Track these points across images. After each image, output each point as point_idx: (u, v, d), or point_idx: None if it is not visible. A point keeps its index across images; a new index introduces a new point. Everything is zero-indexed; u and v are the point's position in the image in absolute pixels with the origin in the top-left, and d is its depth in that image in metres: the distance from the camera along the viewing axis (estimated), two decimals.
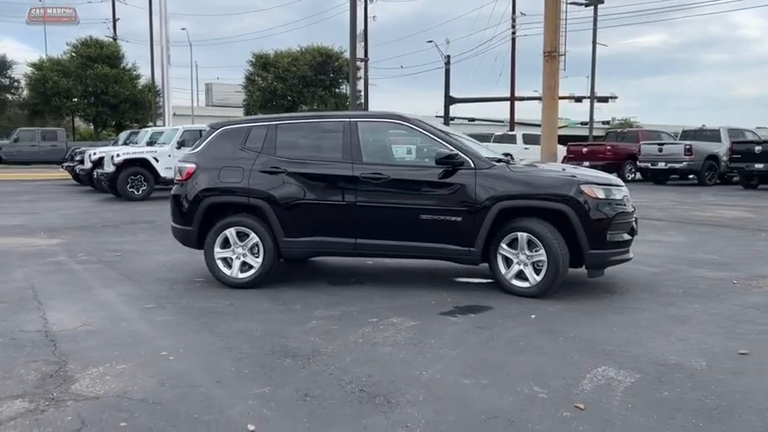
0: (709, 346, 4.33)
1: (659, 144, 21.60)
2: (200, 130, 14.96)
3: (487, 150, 6.63)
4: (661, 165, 21.08)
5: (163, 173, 15.73)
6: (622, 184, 6.03)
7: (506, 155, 23.06)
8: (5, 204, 14.90)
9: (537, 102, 31.30)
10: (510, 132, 30.05)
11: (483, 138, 28.10)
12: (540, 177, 5.82)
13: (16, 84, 45.63)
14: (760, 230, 10.22)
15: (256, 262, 6.06)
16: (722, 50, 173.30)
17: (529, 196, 5.68)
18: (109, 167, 15.77)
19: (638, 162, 22.16)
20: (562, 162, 21.83)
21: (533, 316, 5.09)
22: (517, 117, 42.79)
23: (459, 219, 5.72)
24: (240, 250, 6.10)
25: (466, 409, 3.34)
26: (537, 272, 5.64)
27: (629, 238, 5.87)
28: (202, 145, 6.44)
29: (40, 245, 8.84)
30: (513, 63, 39.91)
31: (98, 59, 41.32)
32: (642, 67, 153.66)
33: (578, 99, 45.17)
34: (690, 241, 9.13)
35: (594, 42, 36.65)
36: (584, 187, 5.60)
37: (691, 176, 21.58)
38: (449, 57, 43.27)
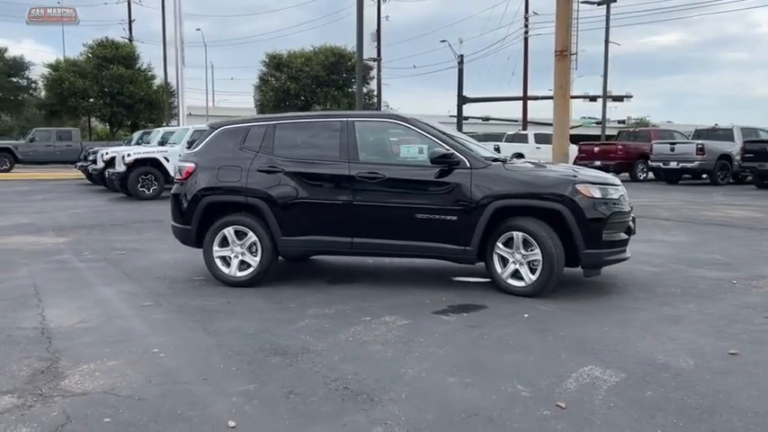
0: (699, 346, 4.32)
1: (671, 143, 21.45)
2: None
3: (486, 150, 6.64)
4: (673, 164, 20.93)
5: (173, 172, 15.82)
6: (619, 183, 6.00)
7: (517, 154, 22.95)
8: (18, 203, 15.09)
9: (550, 101, 31.17)
10: (522, 132, 29.94)
11: (495, 137, 28.10)
12: (536, 177, 5.82)
13: (33, 84, 46.21)
14: (767, 230, 10.12)
15: (254, 261, 6.11)
16: (740, 49, 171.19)
17: (524, 195, 5.68)
18: (120, 167, 15.93)
19: (649, 162, 22.00)
20: (574, 162, 21.75)
21: (526, 315, 5.09)
22: (531, 116, 42.64)
23: (455, 218, 5.74)
24: (238, 249, 6.15)
25: (447, 408, 3.36)
26: (532, 271, 5.64)
27: (626, 237, 5.85)
28: (202, 145, 6.51)
29: (47, 243, 8.95)
30: (525, 62, 39.79)
31: (114, 60, 41.72)
32: (659, 66, 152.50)
33: (593, 98, 44.93)
34: (694, 241, 9.07)
35: (607, 41, 36.42)
36: (579, 186, 5.59)
37: (704, 176, 21.39)
38: (462, 56, 43.20)
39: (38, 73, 44.91)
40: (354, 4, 22.76)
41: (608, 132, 39.17)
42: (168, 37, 35.37)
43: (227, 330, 4.74)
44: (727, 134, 21.71)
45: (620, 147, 23.22)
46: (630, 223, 5.92)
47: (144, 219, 11.85)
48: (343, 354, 4.21)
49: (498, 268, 5.78)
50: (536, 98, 40.58)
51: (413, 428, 3.12)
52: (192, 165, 6.33)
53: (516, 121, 47.07)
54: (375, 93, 42.64)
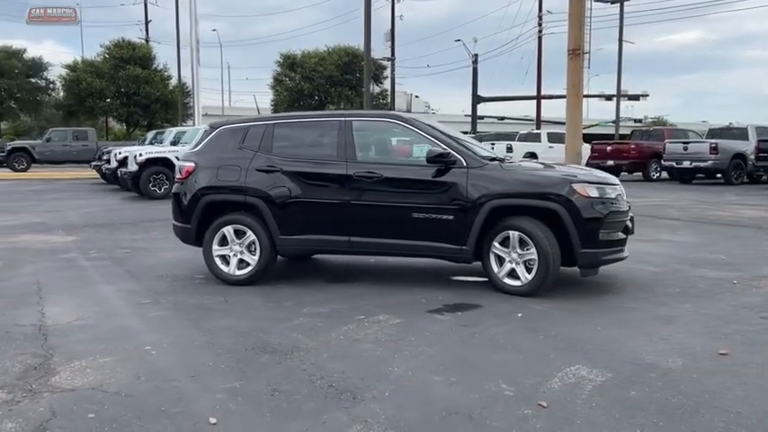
0: (690, 346, 4.29)
1: (684, 142, 21.26)
2: None
3: (485, 150, 6.65)
4: (686, 164, 20.74)
5: None
6: (617, 182, 5.98)
7: (530, 154, 22.84)
8: (32, 202, 15.30)
9: (565, 100, 30.99)
10: (534, 131, 29.81)
11: (508, 136, 28.00)
12: (533, 176, 5.82)
13: (52, 85, 46.76)
14: None
15: (253, 259, 6.15)
16: (761, 46, 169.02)
17: (520, 195, 5.68)
18: (132, 166, 16.10)
19: (662, 161, 21.82)
20: (587, 161, 21.64)
21: (520, 314, 5.09)
22: (547, 115, 42.47)
23: (451, 217, 5.74)
24: (237, 248, 6.19)
25: (428, 406, 3.37)
26: (528, 270, 5.63)
27: (624, 237, 5.82)
28: (202, 144, 6.57)
29: (55, 242, 9.07)
30: (539, 61, 39.57)
31: (130, 61, 42.12)
32: (677, 65, 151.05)
33: (608, 97, 44.73)
34: (701, 241, 8.99)
35: (621, 40, 36.13)
36: (576, 186, 5.58)
37: (718, 176, 21.16)
38: (476, 55, 43.10)
39: (56, 74, 45.49)
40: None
41: (626, 132, 38.88)
42: (184, 38, 35.63)
43: (221, 328, 4.78)
44: (741, 133, 21.47)
45: (632, 146, 23.04)
46: (628, 223, 5.89)
47: (153, 218, 11.95)
48: (333, 352, 4.24)
49: (495, 267, 5.77)
50: (550, 97, 40.39)
51: (391, 426, 3.14)
52: (192, 164, 6.39)
53: (532, 120, 46.92)
54: (389, 92, 42.63)
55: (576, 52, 18.55)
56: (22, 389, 3.61)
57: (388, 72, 42.36)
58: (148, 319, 5.09)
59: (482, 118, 46.58)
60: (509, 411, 3.30)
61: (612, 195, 5.73)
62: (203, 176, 6.30)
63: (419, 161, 6.02)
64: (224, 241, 6.23)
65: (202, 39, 31.22)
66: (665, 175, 23.16)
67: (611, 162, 22.50)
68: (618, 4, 35.35)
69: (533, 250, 5.55)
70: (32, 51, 56.82)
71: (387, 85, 43.37)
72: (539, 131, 28.86)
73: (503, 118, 53.39)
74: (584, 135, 19.36)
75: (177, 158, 16.02)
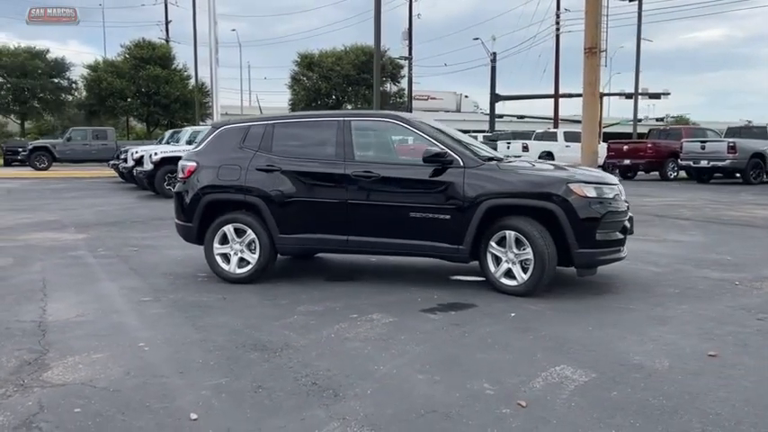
0: (680, 347, 4.27)
1: (701, 141, 21.02)
2: None
3: (485, 149, 6.65)
4: (703, 163, 20.51)
5: None
6: (616, 182, 5.95)
7: (546, 153, 22.73)
8: (49, 201, 15.54)
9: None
10: (551, 130, 29.64)
11: (524, 135, 27.88)
12: (529, 176, 5.81)
13: (74, 85, 47.43)
14: None
15: (253, 258, 6.22)
16: None
17: (516, 195, 5.68)
18: (147, 165, 16.32)
19: (680, 160, 21.59)
20: (605, 160, 21.48)
21: (513, 314, 5.09)
22: (565, 114, 42.24)
23: (448, 217, 5.76)
24: (238, 246, 6.26)
25: (407, 404, 3.40)
26: (524, 270, 5.63)
27: (621, 237, 5.80)
28: (203, 144, 6.65)
29: (66, 239, 9.22)
30: (557, 60, 39.37)
31: (150, 61, 42.65)
32: (701, 63, 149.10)
33: (628, 96, 44.30)
34: (709, 241, 8.91)
35: (639, 38, 35.78)
36: (572, 186, 5.57)
37: (736, 175, 20.89)
38: (495, 54, 42.98)
39: (78, 74, 46.13)
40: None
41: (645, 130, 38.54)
42: (203, 38, 35.88)
43: (215, 326, 4.84)
44: (761, 132, 21.19)
45: (649, 145, 22.83)
46: (627, 223, 5.87)
47: (164, 216, 12.06)
48: (322, 350, 4.28)
49: (492, 267, 5.78)
50: (569, 96, 40.16)
51: (368, 424, 3.17)
52: (194, 164, 6.47)
53: (551, 119, 46.69)
54: (405, 91, 42.65)
55: (593, 50, 18.32)
56: (15, 383, 3.69)
57: (405, 71, 42.38)
58: (146, 316, 5.17)
59: (501, 116, 46.45)
60: (487, 410, 3.31)
61: (610, 195, 5.71)
62: (205, 176, 6.38)
63: (417, 161, 6.04)
64: (225, 240, 6.30)
65: (222, 39, 31.49)
66: (683, 174, 22.93)
67: (627, 161, 22.33)
68: (636, 2, 35.03)
69: (529, 250, 5.55)
70: (58, 52, 57.60)
71: (404, 84, 43.39)
72: (555, 130, 28.69)
73: (522, 116, 53.17)
74: (603, 134, 19.22)
75: None
